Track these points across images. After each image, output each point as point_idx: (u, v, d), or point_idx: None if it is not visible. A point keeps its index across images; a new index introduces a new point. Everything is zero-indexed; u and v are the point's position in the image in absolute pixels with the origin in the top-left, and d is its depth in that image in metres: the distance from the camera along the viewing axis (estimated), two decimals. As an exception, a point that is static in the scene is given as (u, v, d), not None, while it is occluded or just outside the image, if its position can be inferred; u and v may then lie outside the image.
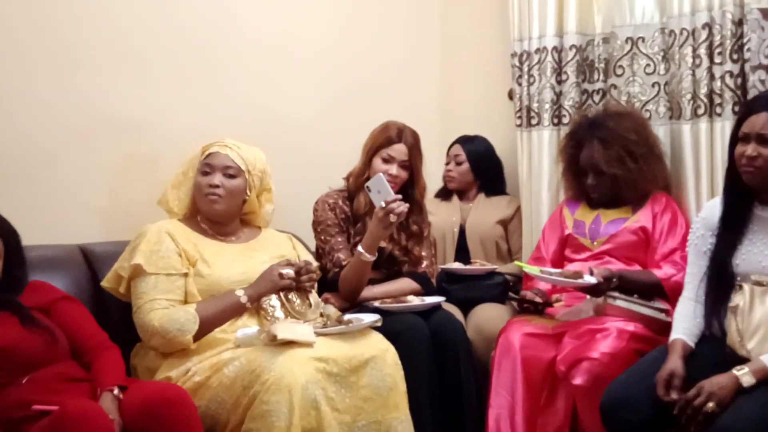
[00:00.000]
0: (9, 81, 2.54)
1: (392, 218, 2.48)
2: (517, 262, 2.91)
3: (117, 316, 2.38)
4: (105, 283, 2.38)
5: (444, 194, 3.36)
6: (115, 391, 1.95)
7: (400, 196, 2.53)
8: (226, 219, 2.48)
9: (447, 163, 3.34)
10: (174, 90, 2.87)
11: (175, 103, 2.87)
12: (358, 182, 2.75)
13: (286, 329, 2.17)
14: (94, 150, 2.70)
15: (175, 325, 2.21)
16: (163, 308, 2.24)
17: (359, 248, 2.56)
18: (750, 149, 2.04)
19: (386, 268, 2.76)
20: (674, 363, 2.05)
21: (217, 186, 2.41)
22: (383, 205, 2.48)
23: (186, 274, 2.32)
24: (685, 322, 2.19)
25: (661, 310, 2.48)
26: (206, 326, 2.25)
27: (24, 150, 2.57)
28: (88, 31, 2.68)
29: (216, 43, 2.98)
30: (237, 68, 3.04)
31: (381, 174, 2.56)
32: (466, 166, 3.27)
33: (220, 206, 2.42)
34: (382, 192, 2.50)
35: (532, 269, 2.58)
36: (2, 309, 2.03)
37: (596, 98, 3.01)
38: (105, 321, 2.26)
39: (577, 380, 2.31)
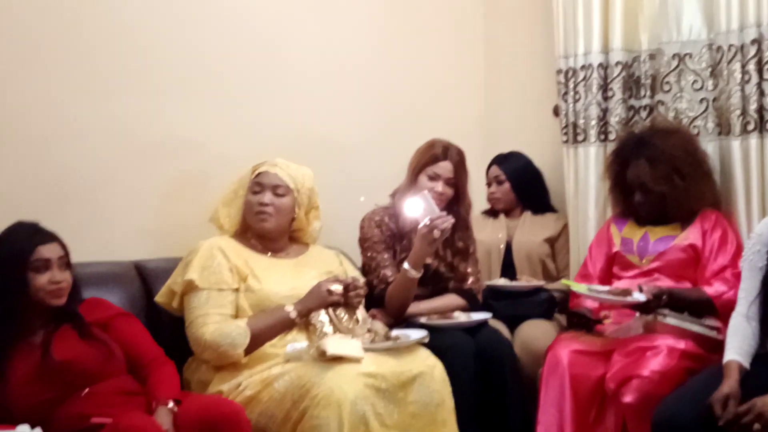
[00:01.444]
0: (67, 107, 2.64)
1: (436, 234, 2.50)
2: (564, 280, 2.89)
3: (170, 330, 2.42)
4: (158, 298, 2.44)
5: (491, 212, 3.36)
6: (170, 405, 1.99)
7: (444, 213, 2.55)
8: (275, 236, 2.53)
9: (488, 185, 3.33)
10: (223, 113, 2.95)
11: (225, 126, 2.94)
12: (404, 199, 2.78)
13: (335, 345, 2.19)
14: (147, 171, 2.78)
15: (227, 339, 2.26)
16: (215, 322, 2.29)
17: (405, 265, 2.58)
18: None
19: (432, 284, 2.77)
20: (730, 386, 2.02)
21: (267, 204, 2.45)
22: (428, 222, 2.50)
23: (237, 290, 2.38)
24: (739, 341, 2.15)
25: (712, 328, 2.45)
26: (257, 340, 2.30)
27: (82, 172, 2.66)
28: (141, 58, 2.77)
29: (264, 67, 3.05)
30: (284, 92, 3.10)
31: (426, 191, 2.59)
32: (507, 185, 3.26)
33: (269, 224, 2.47)
34: (426, 209, 2.52)
35: (579, 287, 2.57)
36: (63, 322, 2.09)
37: (643, 114, 2.99)
38: (158, 335, 2.31)
39: (627, 398, 2.29)
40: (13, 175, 2.55)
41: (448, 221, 2.52)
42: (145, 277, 2.57)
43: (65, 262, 2.11)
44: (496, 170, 3.30)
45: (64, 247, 2.12)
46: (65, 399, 2.00)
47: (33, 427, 1.87)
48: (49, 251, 2.07)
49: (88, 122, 2.67)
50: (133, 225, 2.75)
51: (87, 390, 2.01)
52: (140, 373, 2.14)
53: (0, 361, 1.99)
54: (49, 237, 2.10)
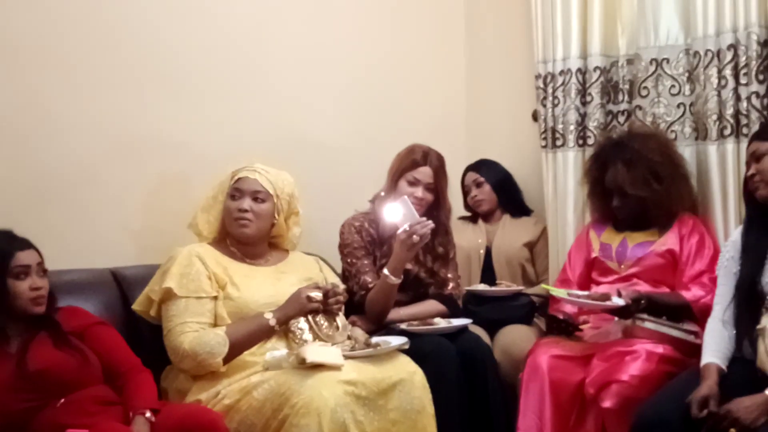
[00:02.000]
0: (44, 105, 2.60)
1: (415, 239, 2.49)
2: (543, 285, 2.91)
3: (148, 338, 2.40)
4: (136, 306, 2.41)
5: (470, 218, 3.37)
6: (147, 414, 1.97)
7: (424, 219, 2.55)
8: (255, 242, 2.51)
9: (466, 192, 3.34)
10: (205, 111, 2.93)
11: (206, 125, 2.92)
12: (383, 205, 2.77)
13: (315, 352, 2.19)
14: (125, 172, 2.75)
15: (206, 348, 2.24)
16: (193, 331, 2.26)
17: (385, 271, 2.58)
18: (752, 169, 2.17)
19: (412, 290, 2.77)
20: (709, 388, 2.04)
21: (246, 210, 2.44)
22: (407, 227, 2.50)
23: (215, 297, 2.35)
24: (716, 345, 2.18)
25: (690, 332, 2.47)
26: (236, 349, 2.28)
27: (59, 173, 2.62)
28: (121, 55, 2.74)
29: (246, 66, 3.04)
30: (266, 91, 3.09)
31: (405, 197, 2.58)
32: (488, 186, 3.28)
33: (249, 230, 2.45)
34: (406, 214, 2.52)
35: (559, 292, 2.58)
36: (39, 330, 2.07)
37: (621, 119, 3.02)
38: (136, 344, 2.29)
39: (607, 403, 2.30)
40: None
41: (428, 227, 2.52)
42: (122, 285, 2.55)
43: (42, 268, 2.10)
44: (473, 175, 3.32)
45: (39, 254, 2.11)
46: (41, 408, 1.97)
47: (8, 437, 1.85)
48: (27, 257, 2.06)
49: (66, 120, 2.64)
50: (110, 228, 2.72)
51: (63, 399, 1.99)
52: (117, 382, 2.12)
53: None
54: (26, 243, 2.09)
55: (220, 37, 2.97)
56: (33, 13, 2.57)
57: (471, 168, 3.34)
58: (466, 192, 3.35)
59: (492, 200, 3.29)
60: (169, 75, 2.84)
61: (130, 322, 2.45)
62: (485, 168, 3.31)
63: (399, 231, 2.53)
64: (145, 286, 2.41)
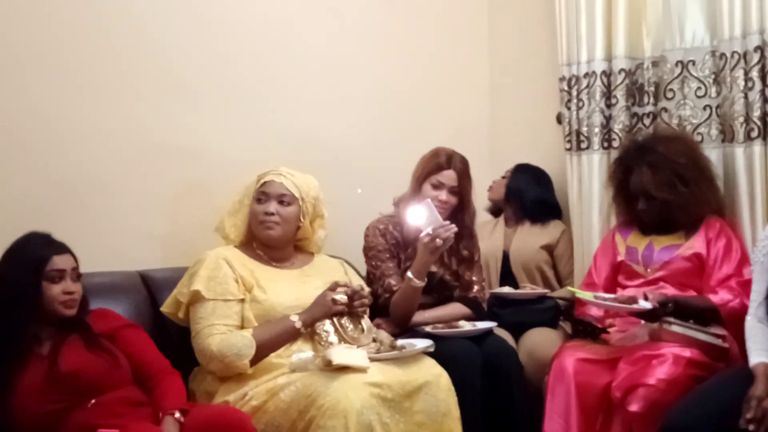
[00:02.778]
0: (69, 111, 2.64)
1: (438, 243, 2.50)
2: (569, 288, 2.90)
3: (175, 340, 2.43)
4: (164, 309, 2.45)
5: (494, 212, 3.38)
6: (177, 415, 1.99)
7: (447, 222, 2.55)
8: (281, 245, 2.53)
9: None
10: (226, 118, 2.96)
11: (228, 131, 2.95)
12: (407, 208, 2.78)
13: (341, 354, 2.19)
14: (151, 178, 2.79)
15: (233, 350, 2.26)
16: (221, 333, 2.29)
17: (408, 274, 2.59)
18: None
19: (437, 293, 2.77)
20: (762, 389, 2.00)
21: (272, 213, 2.46)
22: (430, 230, 2.50)
23: (242, 300, 2.38)
24: (761, 343, 2.15)
25: (718, 336, 2.44)
26: (262, 351, 2.30)
27: (84, 178, 2.66)
28: (144, 63, 2.78)
29: (266, 72, 3.07)
30: (287, 96, 3.12)
31: (429, 200, 2.59)
32: (503, 182, 3.30)
33: (275, 233, 2.47)
34: (429, 217, 2.52)
35: (585, 294, 2.57)
36: (71, 333, 2.10)
37: (647, 121, 3.01)
38: (164, 345, 2.31)
39: (633, 407, 2.29)
40: (19, 181, 2.55)
41: (451, 230, 2.53)
42: (150, 287, 2.58)
43: (77, 273, 2.14)
44: (508, 172, 3.33)
45: (75, 259, 2.15)
46: (72, 409, 2.00)
47: (41, 438, 1.87)
48: (63, 262, 2.10)
49: (91, 127, 2.68)
50: (137, 232, 2.75)
51: (94, 400, 2.01)
52: (146, 383, 2.15)
53: (8, 371, 2.00)
54: (63, 248, 2.13)
55: (241, 45, 3.00)
56: (58, 22, 2.62)
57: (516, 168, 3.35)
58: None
59: (498, 194, 3.32)
60: (191, 84, 2.88)
61: (158, 324, 2.48)
62: (520, 170, 3.31)
63: (422, 234, 2.53)
64: (172, 289, 2.44)
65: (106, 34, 2.71)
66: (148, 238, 2.78)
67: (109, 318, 2.23)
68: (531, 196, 3.27)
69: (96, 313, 2.21)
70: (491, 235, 3.28)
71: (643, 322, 2.53)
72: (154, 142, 2.79)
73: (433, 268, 2.72)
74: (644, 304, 2.43)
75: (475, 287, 2.80)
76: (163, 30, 2.83)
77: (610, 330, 2.64)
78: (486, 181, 3.37)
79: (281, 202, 2.48)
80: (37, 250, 2.09)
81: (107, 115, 2.71)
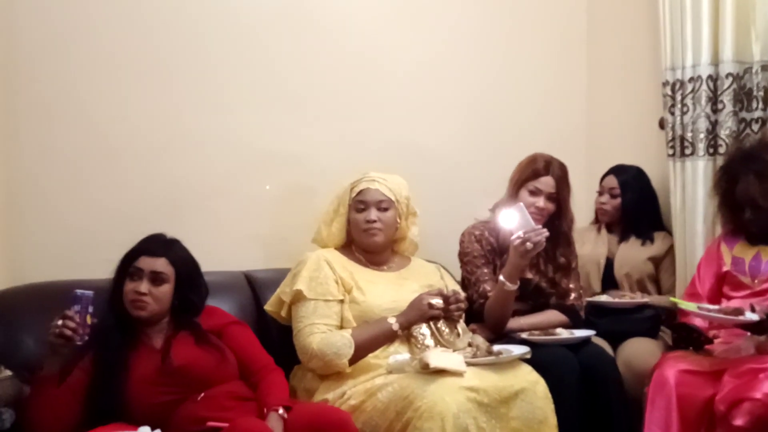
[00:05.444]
0: (182, 121, 2.80)
1: (528, 247, 2.49)
2: (672, 298, 2.82)
3: (277, 338, 2.51)
4: (268, 307, 2.54)
5: (596, 222, 3.32)
6: (280, 411, 2.06)
7: (539, 227, 2.54)
8: (381, 249, 2.59)
9: (600, 193, 3.27)
10: (327, 126, 3.05)
11: (328, 138, 3.04)
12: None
13: (438, 358, 2.22)
14: (255, 183, 2.91)
15: (332, 349, 2.32)
16: (321, 332, 2.35)
17: (500, 277, 2.58)
18: None
19: (533, 300, 2.76)
20: None
21: (375, 221, 2.52)
22: (521, 234, 2.50)
23: (342, 301, 2.44)
24: None
25: (830, 351, 2.34)
26: (361, 351, 2.35)
27: (194, 184, 2.81)
28: (252, 74, 2.92)
29: (365, 82, 3.14)
30: (385, 104, 3.18)
31: (521, 204, 2.58)
32: (618, 200, 3.19)
33: (380, 239, 2.54)
34: (521, 221, 2.52)
35: (688, 305, 2.51)
36: (181, 329, 2.21)
37: (755, 127, 2.90)
38: (266, 343, 2.39)
39: (738, 421, 2.22)
40: (130, 185, 2.72)
41: (542, 234, 2.51)
42: (254, 287, 2.68)
43: (159, 278, 2.18)
44: (613, 181, 3.22)
45: (170, 264, 2.20)
46: (182, 401, 2.09)
47: (153, 428, 1.96)
48: (147, 263, 2.18)
49: (202, 135, 2.83)
50: (242, 235, 2.88)
51: (203, 394, 2.10)
52: (251, 379, 2.23)
53: (123, 362, 2.11)
54: (159, 251, 2.21)
55: (342, 55, 3.09)
56: (171, 37, 2.78)
57: (615, 172, 3.24)
58: (599, 192, 3.27)
59: (615, 215, 3.22)
60: (294, 94, 2.99)
61: (261, 322, 2.57)
62: (629, 182, 3.20)
63: (513, 237, 2.53)
64: (274, 289, 2.53)
65: (217, 44, 2.86)
66: (253, 240, 2.90)
67: (217, 315, 2.32)
68: (646, 219, 3.19)
69: (205, 311, 2.30)
70: (595, 241, 3.22)
71: (749, 334, 2.45)
72: (260, 149, 2.91)
73: (529, 275, 2.71)
74: (751, 316, 2.36)
75: (572, 295, 2.77)
76: (271, 44, 2.95)
77: (713, 341, 2.57)
78: (583, 187, 3.30)
79: (380, 208, 2.54)
80: (135, 247, 2.21)
81: (216, 123, 2.85)
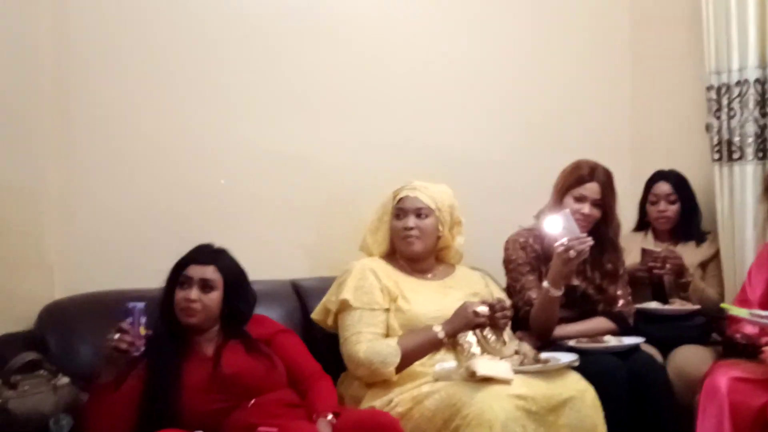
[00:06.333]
0: (231, 129, 2.85)
1: (572, 254, 2.47)
2: (723, 304, 2.78)
3: (324, 346, 2.53)
4: (314, 316, 2.57)
5: (640, 228, 3.29)
6: (329, 417, 2.08)
7: (584, 234, 2.52)
8: (423, 257, 2.60)
9: (653, 202, 3.21)
10: (371, 134, 3.07)
11: (373, 147, 3.06)
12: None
13: (485, 366, 2.22)
14: (301, 191, 2.95)
15: (379, 357, 2.34)
16: (367, 341, 2.37)
17: (544, 283, 2.57)
18: None
19: (579, 307, 2.74)
20: None
21: (412, 228, 2.53)
22: (565, 241, 2.48)
23: (388, 310, 2.46)
24: None
25: None
26: (407, 359, 2.36)
27: (244, 193, 2.86)
28: (299, 84, 2.96)
29: (408, 90, 3.16)
30: (428, 111, 3.19)
31: (567, 210, 2.57)
32: (677, 206, 3.15)
33: (417, 246, 2.54)
34: (566, 228, 2.50)
35: (740, 311, 2.47)
36: (231, 338, 2.25)
37: (805, 131, 2.86)
38: (313, 351, 2.42)
39: (793, 431, 2.18)
40: (181, 196, 2.77)
41: (586, 243, 2.49)
42: (301, 295, 2.72)
43: (208, 285, 2.21)
44: (667, 187, 3.17)
45: (219, 272, 2.24)
46: (233, 409, 2.12)
47: (206, 434, 2.01)
48: (196, 271, 2.22)
49: (251, 145, 2.87)
50: (288, 244, 2.92)
51: (253, 401, 2.14)
52: (300, 386, 2.26)
53: (176, 370, 2.15)
54: (208, 260, 2.25)
55: (385, 63, 3.11)
56: (223, 50, 2.84)
57: (665, 178, 3.20)
58: (652, 201, 3.22)
59: (675, 222, 3.18)
60: (339, 103, 3.03)
61: (308, 330, 2.60)
62: (681, 186, 3.17)
63: (556, 243, 2.52)
64: (321, 297, 2.56)
65: (264, 56, 2.91)
66: (299, 248, 2.94)
67: (265, 324, 2.36)
68: (698, 223, 3.17)
69: (253, 319, 2.33)
70: (640, 247, 3.18)
71: (803, 340, 2.40)
72: (305, 158, 2.95)
73: (576, 282, 2.69)
74: (805, 322, 2.31)
75: (621, 301, 2.75)
76: (316, 55, 2.99)
77: (765, 349, 2.52)
78: (627, 194, 3.27)
79: (419, 216, 2.55)
80: (185, 257, 2.25)
81: (266, 134, 2.90)
